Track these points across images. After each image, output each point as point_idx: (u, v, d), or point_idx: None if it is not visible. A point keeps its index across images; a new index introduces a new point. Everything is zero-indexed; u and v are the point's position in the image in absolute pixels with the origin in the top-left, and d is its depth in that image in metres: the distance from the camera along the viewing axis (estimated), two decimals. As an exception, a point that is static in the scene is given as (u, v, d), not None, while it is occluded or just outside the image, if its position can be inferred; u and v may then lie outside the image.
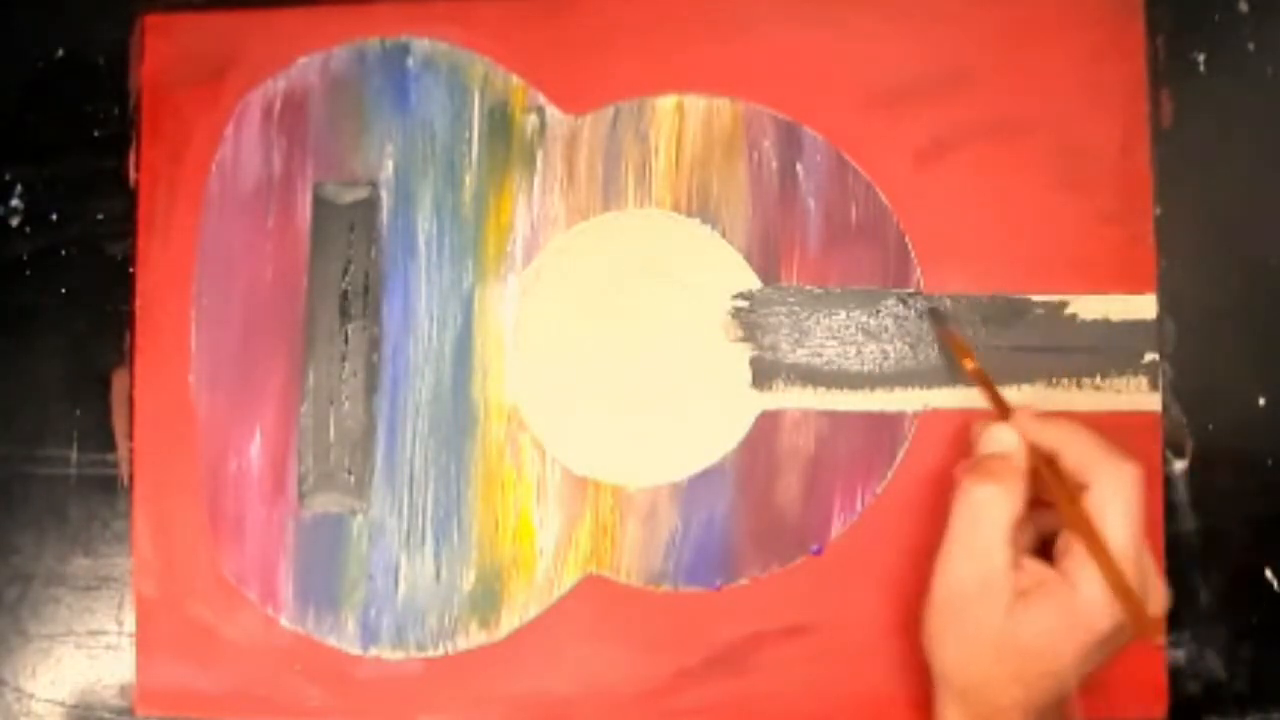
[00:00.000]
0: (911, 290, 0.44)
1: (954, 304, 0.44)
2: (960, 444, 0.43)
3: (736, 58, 0.46)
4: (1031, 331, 0.44)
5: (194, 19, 0.48)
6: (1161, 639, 0.36)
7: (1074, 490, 0.37)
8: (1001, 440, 0.38)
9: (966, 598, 0.37)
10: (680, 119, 0.46)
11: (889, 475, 0.44)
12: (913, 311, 0.44)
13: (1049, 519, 0.38)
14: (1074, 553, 0.36)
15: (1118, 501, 0.36)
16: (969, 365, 0.41)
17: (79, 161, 0.48)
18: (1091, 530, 0.36)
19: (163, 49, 0.48)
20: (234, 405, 0.46)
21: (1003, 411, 0.39)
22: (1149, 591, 0.36)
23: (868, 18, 0.45)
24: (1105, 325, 0.43)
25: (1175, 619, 0.43)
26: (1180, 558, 0.43)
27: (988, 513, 0.37)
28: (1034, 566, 0.37)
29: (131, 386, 0.47)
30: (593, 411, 0.45)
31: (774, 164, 0.45)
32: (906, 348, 0.44)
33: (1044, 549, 0.38)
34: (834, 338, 0.45)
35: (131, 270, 0.48)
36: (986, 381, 0.41)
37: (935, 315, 0.43)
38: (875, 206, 0.45)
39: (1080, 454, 0.37)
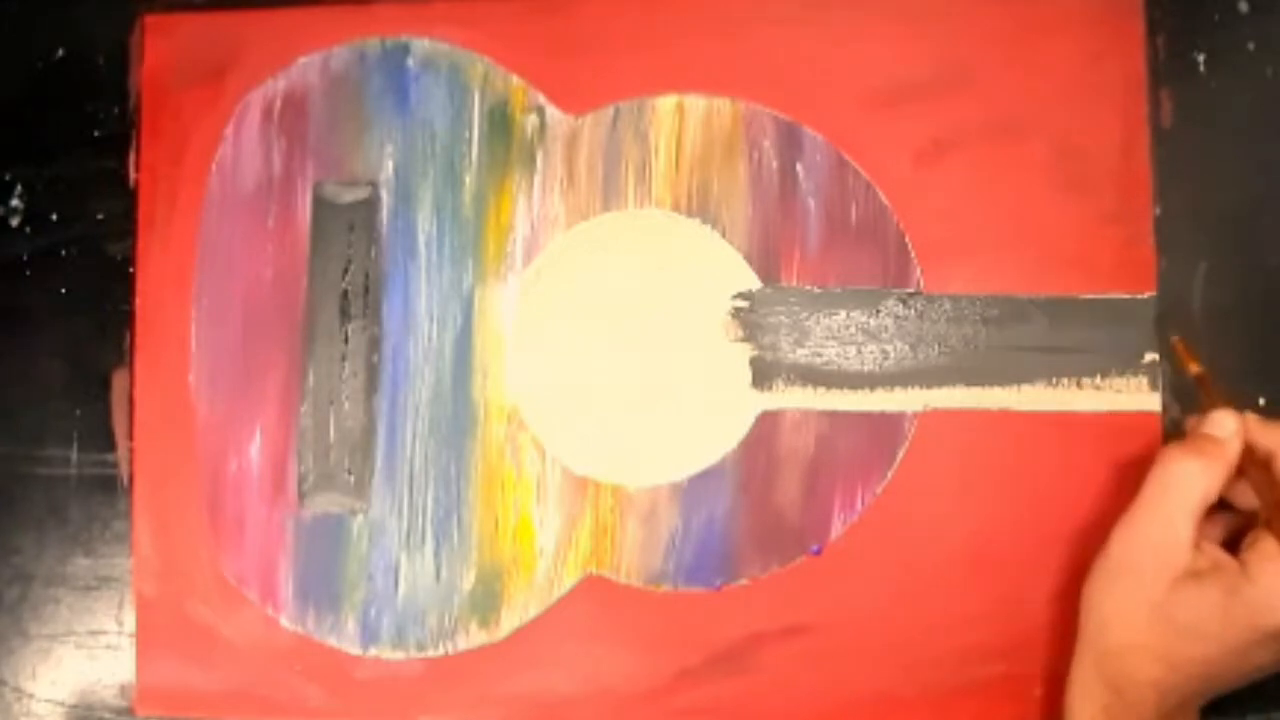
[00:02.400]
0: (911, 290, 0.44)
1: (954, 304, 0.44)
2: (961, 444, 0.44)
3: (736, 58, 0.45)
4: (1031, 331, 0.44)
5: (194, 19, 0.48)
6: None
7: (1268, 484, 0.37)
8: (1221, 424, 0.38)
9: (1139, 560, 0.36)
10: (680, 119, 0.46)
11: (889, 475, 0.44)
12: (912, 311, 0.44)
13: (1245, 521, 0.38)
14: (1260, 549, 0.36)
15: None
16: (1194, 370, 0.41)
17: (79, 161, 0.48)
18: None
19: (163, 49, 0.48)
20: (234, 405, 0.46)
21: (1224, 406, 0.39)
22: None
23: (868, 18, 0.45)
24: (1105, 326, 0.43)
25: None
26: (1180, 558, 0.43)
27: (1182, 483, 0.36)
28: (1214, 551, 0.37)
29: (131, 386, 0.47)
30: (593, 411, 0.45)
31: (774, 164, 0.45)
32: (906, 348, 0.44)
33: (1230, 547, 0.38)
34: (834, 338, 0.45)
35: (131, 270, 0.48)
36: (1209, 386, 0.40)
37: (1161, 321, 0.43)
38: (875, 206, 0.45)
39: None
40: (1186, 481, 0.37)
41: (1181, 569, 0.36)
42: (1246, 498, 0.39)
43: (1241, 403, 0.43)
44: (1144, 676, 0.36)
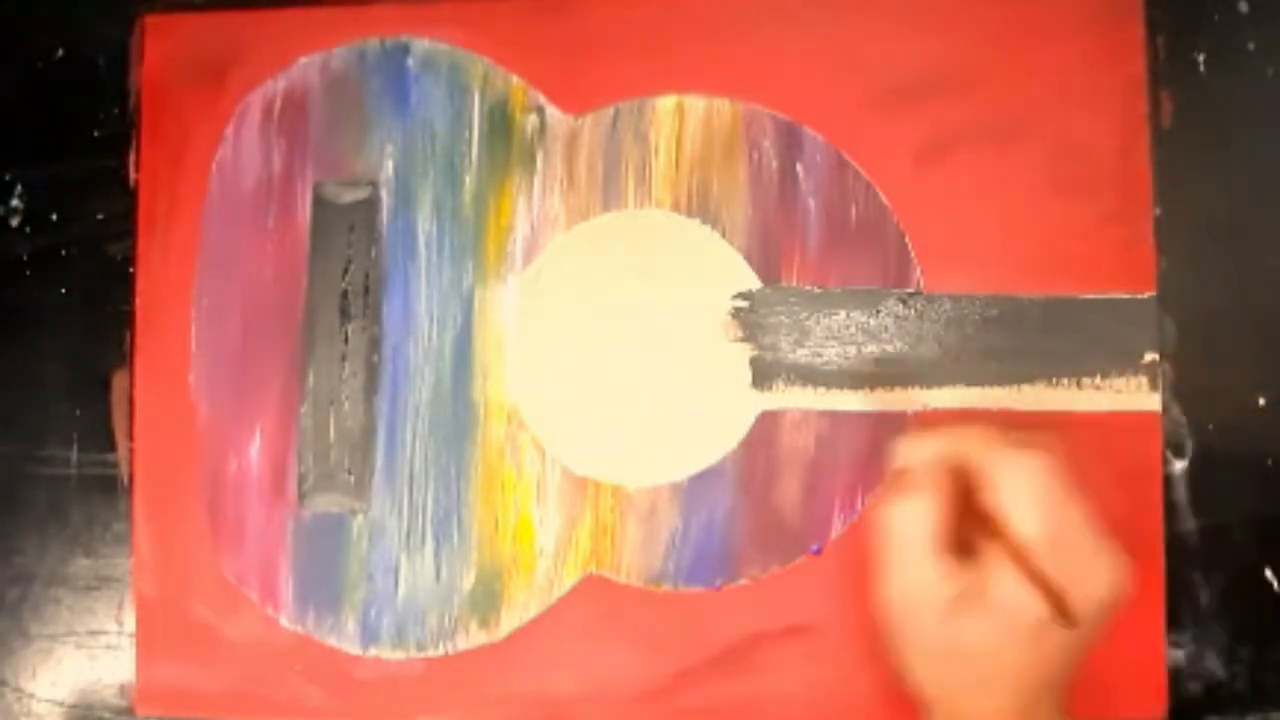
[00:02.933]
0: (911, 290, 0.44)
1: (954, 304, 0.44)
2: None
3: (736, 58, 0.46)
4: (1031, 331, 0.44)
5: (194, 19, 0.48)
6: (1077, 625, 0.35)
7: (973, 489, 0.37)
8: (908, 453, 0.38)
9: (905, 614, 0.37)
10: (680, 119, 0.46)
11: (889, 475, 0.44)
12: (912, 311, 0.44)
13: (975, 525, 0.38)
14: (984, 551, 0.36)
15: (1021, 493, 0.36)
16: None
17: (79, 161, 0.48)
18: (994, 526, 0.36)
19: (163, 49, 0.48)
20: (234, 405, 0.46)
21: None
22: (1092, 574, 0.35)
23: (868, 18, 0.45)
24: (1105, 326, 0.43)
25: (1175, 619, 0.43)
26: (1180, 558, 0.43)
27: (909, 527, 0.37)
28: (964, 573, 0.37)
29: (131, 386, 0.47)
30: (593, 411, 0.45)
31: (774, 164, 0.45)
32: (906, 348, 0.44)
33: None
34: (834, 338, 0.45)
35: (131, 270, 0.48)
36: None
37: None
38: (875, 206, 0.45)
39: (983, 451, 0.37)
40: (909, 524, 0.37)
41: (943, 602, 0.36)
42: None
43: (1241, 404, 0.43)
44: (988, 709, 0.36)
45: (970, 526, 0.38)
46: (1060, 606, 0.35)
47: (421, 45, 0.47)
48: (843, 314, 0.45)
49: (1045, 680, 0.36)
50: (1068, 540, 0.36)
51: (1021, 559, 0.35)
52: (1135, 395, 0.43)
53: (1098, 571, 0.36)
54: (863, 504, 0.44)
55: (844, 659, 0.43)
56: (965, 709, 0.37)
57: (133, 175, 0.48)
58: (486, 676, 0.45)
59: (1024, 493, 0.36)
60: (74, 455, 0.48)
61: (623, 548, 0.45)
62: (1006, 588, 0.35)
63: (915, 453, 0.38)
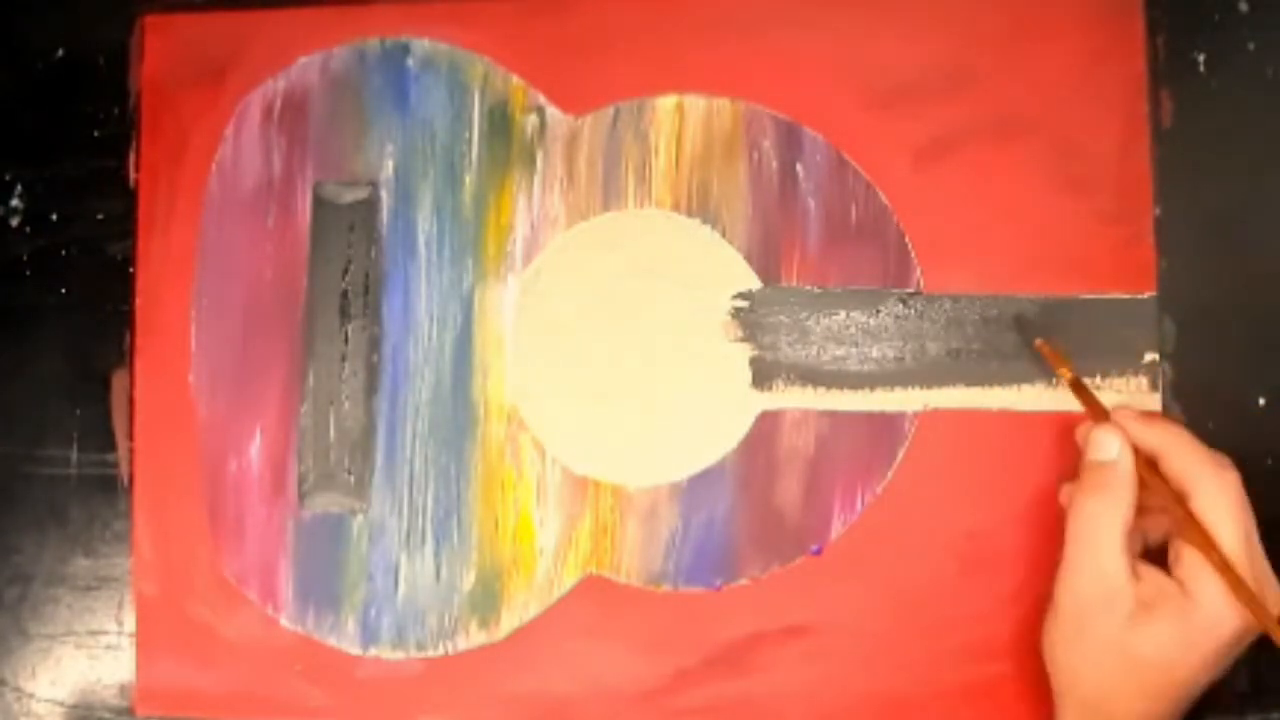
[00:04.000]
0: (911, 290, 0.44)
1: (954, 304, 0.44)
2: (961, 444, 0.44)
3: (736, 58, 0.45)
4: (1031, 331, 0.43)
5: (194, 19, 0.48)
6: None
7: (1180, 496, 0.37)
8: (1106, 447, 0.38)
9: (1089, 611, 0.37)
10: (680, 119, 0.46)
11: (889, 475, 0.44)
12: (912, 311, 0.44)
13: (1154, 523, 0.38)
14: (1186, 561, 0.36)
15: (1223, 507, 0.36)
16: (1066, 375, 0.41)
17: (79, 161, 0.48)
18: (1205, 537, 0.36)
19: (163, 49, 0.48)
20: (234, 405, 0.46)
21: (1100, 415, 0.39)
22: (1267, 593, 0.36)
23: (868, 18, 0.45)
24: (1105, 326, 0.43)
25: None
26: (1180, 558, 0.43)
27: (1101, 525, 0.37)
28: (1152, 576, 0.37)
29: (131, 386, 0.47)
30: (593, 411, 0.45)
31: (774, 164, 0.45)
32: (906, 348, 0.44)
33: (1152, 554, 0.38)
34: (834, 338, 0.45)
35: (131, 270, 0.48)
36: (1082, 388, 0.40)
37: (1022, 323, 0.43)
38: (875, 206, 0.45)
39: (1183, 459, 0.37)
40: (1100, 523, 0.37)
41: (1130, 606, 0.36)
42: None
43: (1241, 404, 0.43)
44: (1130, 714, 0.36)
45: (1155, 527, 0.38)
46: (1267, 618, 0.35)
47: (421, 45, 0.47)
48: (843, 314, 0.45)
49: (1196, 696, 0.36)
50: (1254, 557, 0.36)
51: (1227, 571, 0.35)
52: (1135, 395, 0.43)
53: (1273, 588, 0.36)
54: (863, 504, 0.44)
55: (844, 659, 0.43)
56: (1110, 708, 0.36)
57: (133, 175, 0.48)
58: (486, 676, 0.45)
59: (1225, 505, 0.36)
60: (74, 455, 0.48)
61: (623, 548, 0.45)
62: (1208, 600, 0.35)
63: (1111, 446, 0.38)
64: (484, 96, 0.46)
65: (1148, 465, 0.38)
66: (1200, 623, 0.35)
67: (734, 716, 0.44)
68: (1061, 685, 0.38)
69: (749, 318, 0.45)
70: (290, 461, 0.46)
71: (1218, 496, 0.36)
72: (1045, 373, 0.43)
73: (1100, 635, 0.36)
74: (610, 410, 0.45)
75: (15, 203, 0.49)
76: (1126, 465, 0.37)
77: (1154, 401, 0.43)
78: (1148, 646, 0.36)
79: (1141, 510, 0.37)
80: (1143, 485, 0.37)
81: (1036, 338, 0.42)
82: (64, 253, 0.48)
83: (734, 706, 0.44)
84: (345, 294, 0.46)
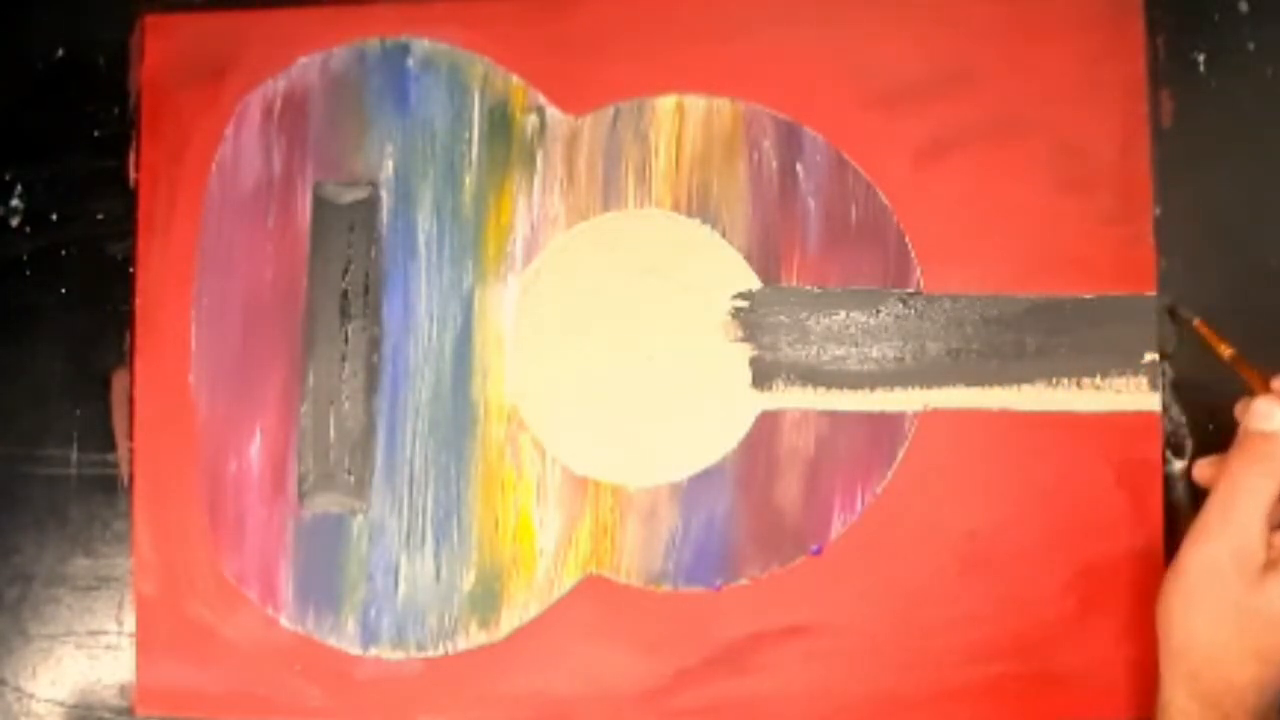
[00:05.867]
0: (911, 290, 0.44)
1: (954, 304, 0.44)
2: (961, 444, 0.44)
3: (736, 58, 0.45)
4: (1032, 331, 0.44)
5: (194, 19, 0.48)
6: None
7: None
8: (1269, 416, 0.38)
9: (1218, 571, 0.37)
10: (680, 119, 0.46)
11: (889, 475, 0.44)
12: (912, 311, 0.44)
13: None
14: None
15: None
16: (1226, 353, 0.41)
17: (79, 161, 0.48)
18: None
19: (163, 49, 0.48)
20: (234, 405, 0.46)
21: (1263, 386, 0.39)
22: None
23: (868, 18, 0.45)
24: (1105, 326, 0.43)
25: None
26: (1180, 558, 0.43)
27: (1252, 492, 0.37)
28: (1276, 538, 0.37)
29: (131, 386, 0.47)
30: (593, 411, 0.45)
31: (774, 164, 0.45)
32: (906, 348, 0.44)
33: None
34: (834, 338, 0.45)
35: (131, 270, 0.48)
36: (1243, 363, 0.40)
37: (1175, 314, 0.43)
38: (875, 206, 0.45)
39: None
40: (1254, 489, 0.37)
41: (1260, 567, 0.36)
42: None
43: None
44: (1242, 679, 0.36)
45: None
46: None
47: (421, 45, 0.47)
48: (843, 314, 0.45)
49: None
50: None
51: None
52: (1135, 395, 0.43)
53: None
54: (863, 504, 0.44)
55: (844, 659, 0.43)
56: (1222, 671, 0.37)
57: (133, 175, 0.48)
58: (486, 676, 0.45)
59: None
60: (74, 455, 0.48)
61: (623, 548, 0.45)
62: None
63: (1272, 418, 0.38)
64: (484, 96, 0.46)
65: None
66: None
67: (734, 716, 0.44)
68: (1173, 650, 0.38)
69: (749, 318, 0.45)
70: (290, 461, 0.46)
71: None
72: (1045, 372, 0.43)
73: (1224, 597, 0.37)
74: (610, 410, 0.45)
75: (15, 203, 0.49)
76: None
77: (1154, 401, 0.43)
78: (1273, 603, 0.36)
79: None
80: None
81: (1195, 318, 0.42)
82: (64, 253, 0.48)
83: (734, 706, 0.44)
84: (345, 294, 0.46)
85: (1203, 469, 0.41)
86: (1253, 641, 0.36)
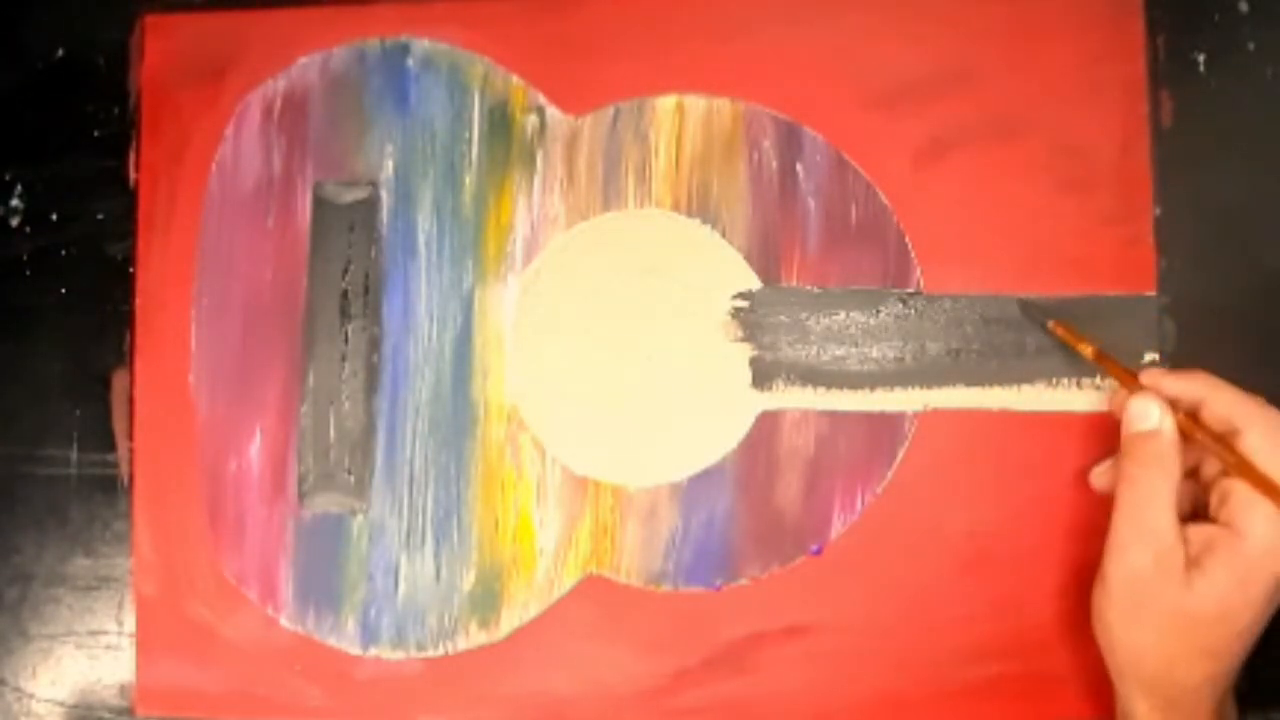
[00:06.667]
0: (911, 290, 0.44)
1: (954, 304, 0.44)
2: (961, 444, 0.44)
3: (736, 58, 0.46)
4: (1032, 332, 0.44)
5: (194, 19, 0.48)
6: None
7: (1228, 437, 0.36)
8: (1147, 415, 0.37)
9: (1143, 581, 0.36)
10: (680, 119, 0.46)
11: (889, 475, 0.44)
12: (912, 311, 0.44)
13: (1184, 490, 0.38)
14: (1232, 499, 0.36)
15: (1276, 438, 0.36)
16: (1087, 350, 0.40)
17: (79, 161, 0.48)
18: (1255, 470, 0.35)
19: (163, 49, 0.48)
20: (234, 405, 0.46)
21: (1132, 383, 0.39)
22: None
23: (868, 18, 0.45)
24: (1105, 326, 0.43)
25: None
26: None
27: (1148, 494, 0.36)
28: (1197, 531, 0.36)
29: (131, 386, 0.47)
30: (593, 411, 0.45)
31: (774, 164, 0.45)
32: (906, 348, 0.44)
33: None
34: (834, 338, 0.45)
35: (131, 270, 0.48)
36: (1108, 359, 0.40)
37: (1028, 308, 0.43)
38: (875, 206, 0.45)
39: (1226, 403, 0.37)
40: (1153, 491, 0.36)
41: (1182, 566, 0.36)
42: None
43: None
44: (1197, 677, 0.36)
45: (1188, 490, 0.38)
46: None
47: (421, 45, 0.47)
48: (843, 314, 0.45)
49: (1251, 645, 0.36)
50: None
51: None
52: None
53: None
54: (863, 504, 0.44)
55: (844, 659, 0.43)
56: (1175, 675, 0.36)
57: (133, 175, 0.48)
58: (486, 676, 0.45)
59: (1278, 437, 0.36)
60: (74, 455, 0.48)
61: (623, 548, 0.45)
62: (1259, 530, 0.35)
63: (1152, 414, 0.37)
64: (484, 96, 0.46)
65: (1188, 418, 0.37)
66: (1254, 553, 0.35)
67: (734, 716, 0.44)
68: (1122, 665, 0.37)
69: (749, 318, 0.45)
70: (290, 461, 0.46)
71: (1270, 431, 0.36)
72: (1045, 373, 0.43)
73: (1158, 603, 0.36)
74: (610, 410, 0.45)
75: (15, 203, 0.49)
76: (1169, 430, 0.37)
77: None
78: (1207, 600, 0.35)
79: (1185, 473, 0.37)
80: (1186, 439, 0.37)
81: (1048, 319, 0.42)
82: (64, 253, 0.48)
83: (734, 706, 0.44)
84: (345, 294, 0.46)
85: (1100, 476, 0.40)
86: (1199, 641, 0.36)
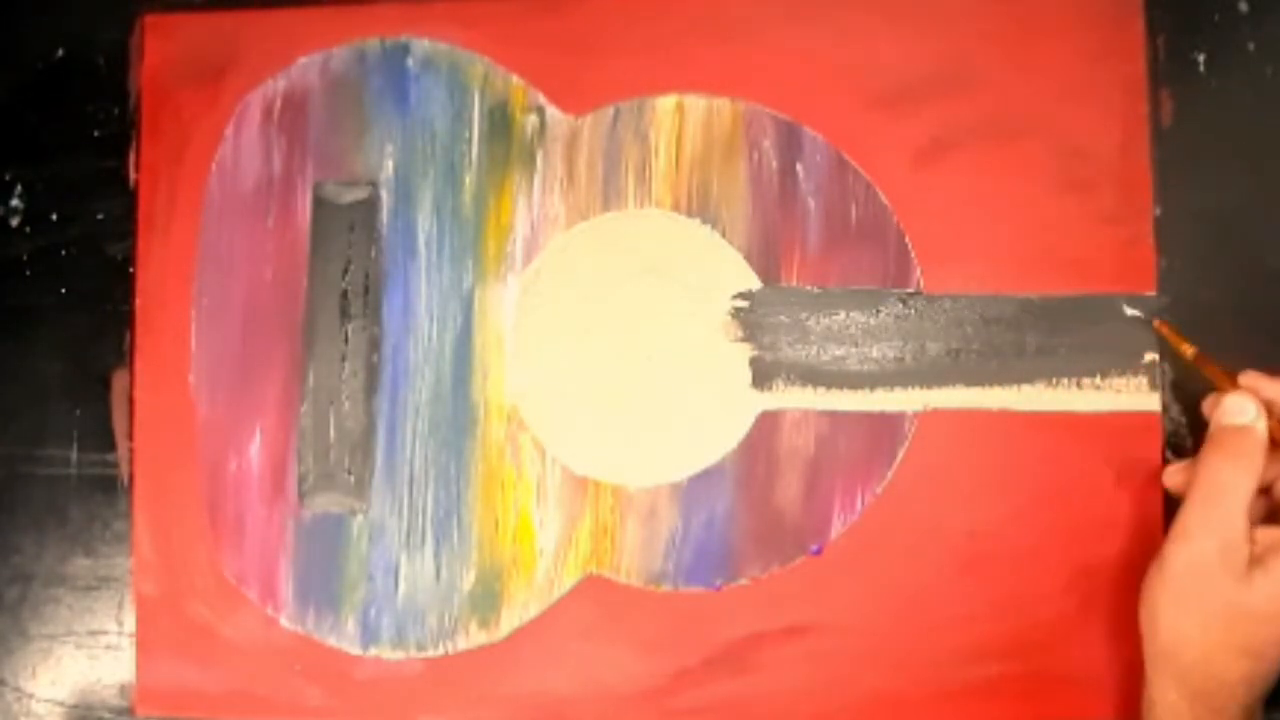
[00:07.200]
0: (911, 290, 0.44)
1: (954, 304, 0.44)
2: (961, 444, 0.44)
3: (736, 58, 0.46)
4: (1032, 331, 0.44)
5: (194, 19, 0.48)
6: None
7: None
8: (1242, 410, 0.38)
9: (1204, 570, 0.36)
10: (680, 119, 0.46)
11: (889, 475, 0.44)
12: (912, 311, 0.44)
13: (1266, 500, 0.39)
14: None
15: None
16: (1189, 351, 0.41)
17: (79, 161, 0.48)
18: None
19: (163, 49, 0.48)
20: (234, 405, 0.46)
21: (1230, 384, 0.39)
22: None
23: (868, 18, 0.45)
24: (1105, 326, 0.43)
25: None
26: (1180, 558, 0.43)
27: (1231, 488, 0.37)
28: (1265, 533, 0.37)
29: (131, 386, 0.47)
30: (593, 411, 0.45)
31: (774, 164, 0.45)
32: (906, 348, 0.44)
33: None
34: (834, 338, 0.45)
35: (131, 270, 0.48)
36: (1207, 361, 0.40)
37: (1135, 306, 0.43)
38: (875, 206, 0.45)
39: None
40: (1234, 485, 0.37)
41: (1245, 563, 0.36)
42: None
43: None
44: (1234, 676, 0.36)
45: (1266, 497, 0.38)
46: None
47: (421, 45, 0.47)
48: (843, 314, 0.45)
49: None
50: None
51: None
52: (1135, 395, 0.43)
53: None
54: (863, 504, 0.44)
55: (844, 659, 0.43)
56: (1212, 669, 0.36)
57: (133, 175, 0.48)
58: (486, 676, 0.45)
59: None
60: (74, 455, 0.48)
61: (623, 548, 0.45)
62: None
63: (1247, 410, 0.38)
64: (484, 96, 0.46)
65: (1278, 424, 0.38)
66: None
67: (734, 716, 0.44)
68: (1160, 651, 0.38)
69: (749, 318, 0.45)
70: (290, 461, 0.46)
71: None
72: (1045, 373, 0.43)
73: (1212, 595, 0.36)
74: (610, 410, 0.45)
75: (15, 203, 0.49)
76: (1260, 428, 0.37)
77: (1154, 401, 0.43)
78: (1262, 598, 0.36)
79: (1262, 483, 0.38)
80: (1275, 445, 0.37)
81: (1155, 317, 0.42)
82: (64, 253, 0.48)
83: (734, 706, 0.44)
84: (345, 294, 0.46)
85: (1174, 476, 0.41)
86: (1243, 638, 0.36)
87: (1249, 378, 0.39)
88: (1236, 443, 0.37)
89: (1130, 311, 0.43)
